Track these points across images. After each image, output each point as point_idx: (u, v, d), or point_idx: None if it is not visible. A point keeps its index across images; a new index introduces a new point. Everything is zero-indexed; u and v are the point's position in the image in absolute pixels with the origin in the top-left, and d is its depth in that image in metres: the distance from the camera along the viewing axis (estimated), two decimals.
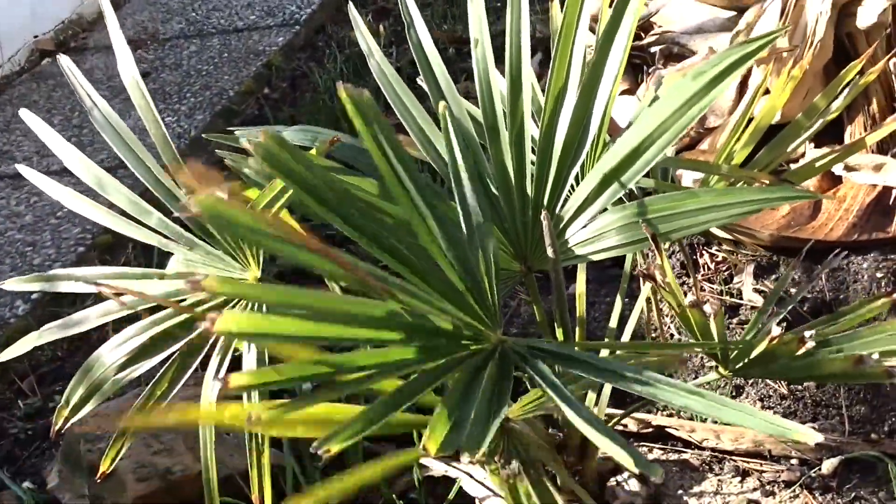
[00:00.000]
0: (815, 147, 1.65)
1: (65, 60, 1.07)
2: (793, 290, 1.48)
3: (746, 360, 0.76)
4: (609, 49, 0.93)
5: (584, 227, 0.93)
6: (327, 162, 0.95)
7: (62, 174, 2.41)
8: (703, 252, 1.62)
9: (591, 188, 0.93)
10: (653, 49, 2.18)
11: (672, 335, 1.47)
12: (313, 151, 0.96)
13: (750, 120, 1.17)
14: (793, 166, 1.69)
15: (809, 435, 0.55)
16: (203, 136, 1.05)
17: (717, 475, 1.24)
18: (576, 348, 0.73)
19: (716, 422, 1.30)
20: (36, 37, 3.15)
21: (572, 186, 0.98)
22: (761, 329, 0.92)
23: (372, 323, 0.67)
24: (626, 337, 1.16)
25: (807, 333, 0.66)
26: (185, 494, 1.23)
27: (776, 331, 0.68)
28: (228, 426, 0.63)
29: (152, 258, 1.90)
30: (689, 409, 0.61)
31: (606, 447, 0.55)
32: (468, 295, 0.76)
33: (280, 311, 0.64)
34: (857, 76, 1.14)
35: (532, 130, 1.01)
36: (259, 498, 0.87)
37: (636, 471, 0.54)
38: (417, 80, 1.12)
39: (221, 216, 0.66)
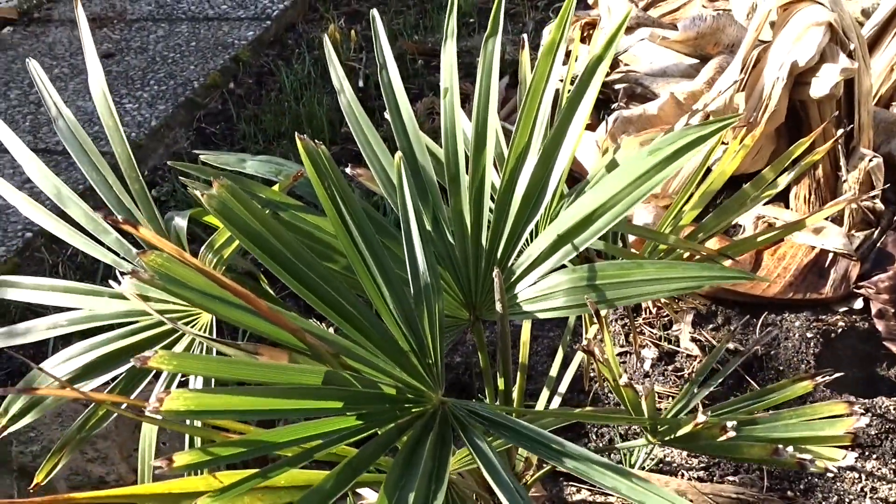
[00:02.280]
0: (762, 204, 1.71)
1: (33, 64, 1.07)
2: (728, 345, 1.54)
3: (673, 436, 0.80)
4: (572, 116, 0.96)
5: (534, 284, 0.95)
6: (290, 199, 0.96)
7: (5, 153, 2.35)
8: None
9: (544, 247, 0.96)
10: (617, 86, 2.23)
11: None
12: (276, 187, 0.98)
13: (707, 170, 1.22)
14: (738, 219, 1.76)
15: None
16: (168, 163, 1.04)
17: None
18: (513, 415, 0.75)
19: (643, 467, 1.35)
20: None
21: (527, 241, 1.01)
22: (694, 395, 0.96)
23: (312, 393, 0.69)
24: (566, 379, 1.20)
25: (728, 424, 0.70)
26: None
27: (702, 417, 0.72)
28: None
29: None
30: (616, 490, 0.64)
31: None
32: (412, 355, 0.79)
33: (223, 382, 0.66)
34: (807, 150, 1.20)
35: (493, 178, 1.04)
36: None
37: None
38: (385, 114, 1.14)
39: (173, 278, 0.67)
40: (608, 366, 0.76)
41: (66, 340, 1.64)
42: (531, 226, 0.98)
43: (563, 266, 0.94)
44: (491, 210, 1.02)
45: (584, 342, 0.77)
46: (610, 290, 0.90)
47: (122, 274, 0.98)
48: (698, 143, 0.92)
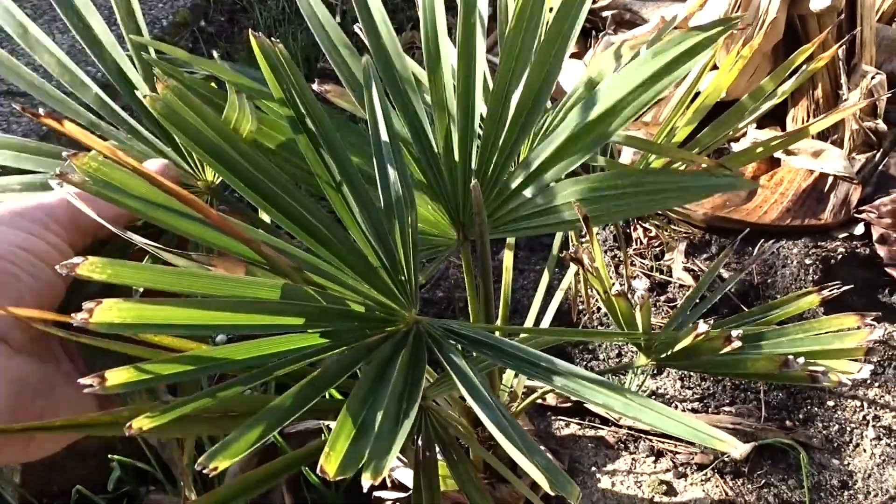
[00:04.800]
0: (758, 128, 1.64)
1: None
2: (723, 273, 1.48)
3: (670, 353, 0.73)
4: (570, 12, 0.87)
5: (529, 199, 0.88)
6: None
7: None
8: (637, 226, 1.60)
9: (545, 156, 0.88)
10: (604, 14, 2.13)
11: (599, 308, 1.45)
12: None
13: (696, 95, 1.14)
14: (734, 145, 1.68)
15: (730, 444, 0.52)
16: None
17: (631, 454, 1.23)
18: (497, 333, 0.68)
19: None
20: None
21: (519, 156, 0.93)
22: (689, 314, 0.89)
23: (270, 308, 0.61)
24: (552, 309, 1.13)
25: (734, 333, 0.63)
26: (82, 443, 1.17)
27: (702, 327, 0.65)
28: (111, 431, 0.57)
29: None
30: (610, 408, 0.57)
31: (521, 462, 0.51)
32: (382, 271, 0.71)
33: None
34: (806, 61, 1.12)
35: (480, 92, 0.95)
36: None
37: (551, 492, 0.50)
38: (355, 27, 1.05)
39: (109, 183, 0.59)
40: (597, 275, 0.69)
41: None
42: (526, 138, 0.90)
43: (558, 180, 0.87)
44: (481, 125, 0.93)
45: (572, 249, 0.70)
46: (619, 201, 0.83)
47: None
48: (707, 45, 0.83)
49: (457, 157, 0.90)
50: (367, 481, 0.47)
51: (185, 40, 2.48)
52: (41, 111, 0.55)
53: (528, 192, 0.87)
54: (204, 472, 0.49)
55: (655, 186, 0.79)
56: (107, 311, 0.54)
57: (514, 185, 0.88)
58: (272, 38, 0.78)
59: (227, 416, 0.66)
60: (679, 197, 0.78)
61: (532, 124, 0.89)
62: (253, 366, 0.61)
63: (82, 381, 0.52)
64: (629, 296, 0.75)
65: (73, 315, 0.53)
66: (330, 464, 0.49)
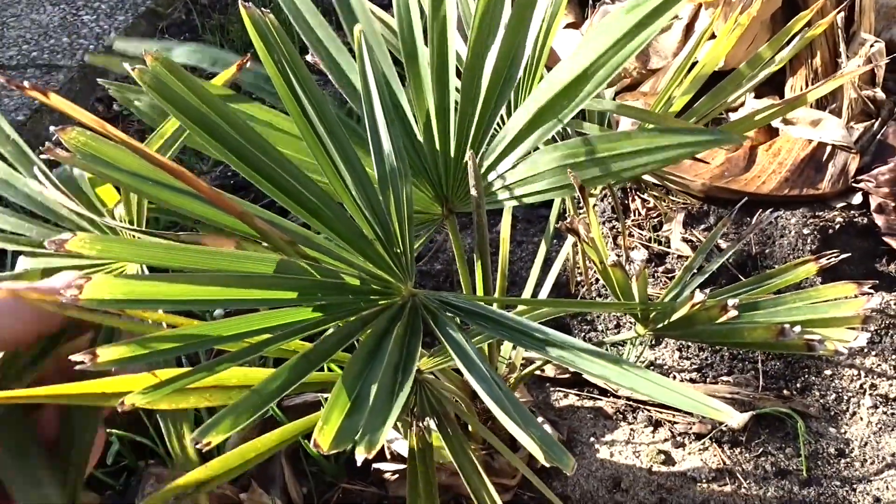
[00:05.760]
0: (756, 97, 1.62)
1: None
2: (721, 243, 1.47)
3: (667, 322, 0.73)
4: None
5: (514, 167, 0.87)
6: (228, 91, 0.86)
7: None
8: (635, 197, 1.60)
9: (521, 124, 0.86)
10: None
11: (597, 279, 1.45)
12: (217, 79, 0.87)
13: (693, 64, 1.13)
14: (732, 115, 1.67)
15: (727, 414, 0.52)
16: (86, 58, 0.92)
17: (629, 424, 1.24)
18: (494, 305, 0.68)
19: None
20: None
21: (500, 123, 0.91)
22: (686, 284, 0.89)
23: (262, 282, 0.60)
24: (550, 280, 1.13)
25: (730, 302, 0.63)
26: None
27: (699, 296, 0.64)
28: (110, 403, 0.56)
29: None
30: (607, 378, 0.57)
31: (517, 434, 0.51)
32: (377, 243, 0.70)
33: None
34: (805, 28, 1.10)
35: (458, 46, 0.94)
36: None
37: (546, 463, 0.50)
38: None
39: (98, 157, 0.58)
40: (593, 246, 0.69)
41: None
42: (506, 102, 0.89)
43: (546, 144, 0.86)
44: (457, 89, 0.92)
45: (568, 219, 0.69)
46: (600, 166, 0.81)
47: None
48: None
49: (435, 132, 0.89)
50: (361, 455, 0.47)
51: (178, 11, 2.45)
52: (26, 84, 0.54)
53: (507, 162, 0.86)
54: (197, 446, 0.48)
55: (633, 149, 0.78)
56: (97, 287, 0.54)
57: (493, 157, 0.87)
58: (262, 10, 0.77)
59: (220, 388, 0.66)
60: (660, 159, 0.76)
61: (507, 94, 0.87)
62: (245, 340, 0.60)
63: (74, 357, 0.52)
64: (626, 266, 0.75)
65: (62, 291, 0.53)
66: (324, 438, 0.49)
